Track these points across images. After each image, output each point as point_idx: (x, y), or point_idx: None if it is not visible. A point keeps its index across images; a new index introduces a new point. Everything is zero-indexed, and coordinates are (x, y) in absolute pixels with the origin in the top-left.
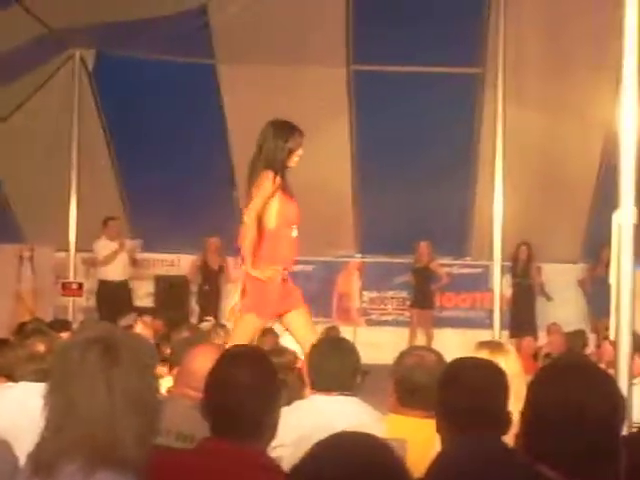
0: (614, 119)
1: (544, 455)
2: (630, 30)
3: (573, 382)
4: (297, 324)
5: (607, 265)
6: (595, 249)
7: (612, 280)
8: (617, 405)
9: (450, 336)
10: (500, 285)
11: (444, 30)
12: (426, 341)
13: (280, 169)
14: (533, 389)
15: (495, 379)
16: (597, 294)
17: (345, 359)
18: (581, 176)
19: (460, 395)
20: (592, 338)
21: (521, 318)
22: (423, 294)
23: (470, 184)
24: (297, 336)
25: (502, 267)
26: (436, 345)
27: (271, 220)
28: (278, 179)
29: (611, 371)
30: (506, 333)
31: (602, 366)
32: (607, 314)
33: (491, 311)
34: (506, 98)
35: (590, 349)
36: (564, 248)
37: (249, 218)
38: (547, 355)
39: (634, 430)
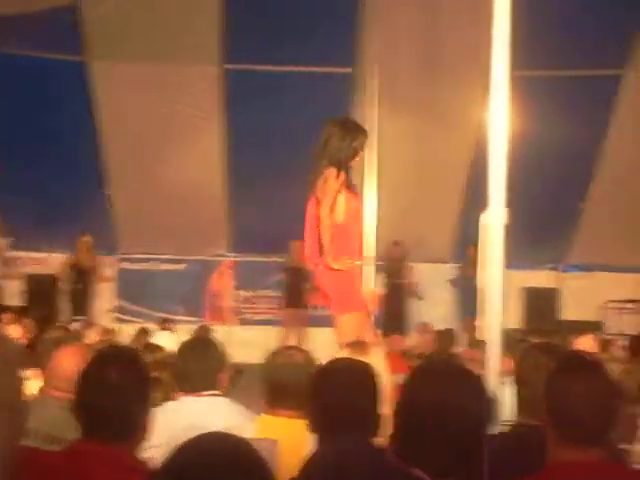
0: (484, 121)
1: (414, 455)
2: (500, 32)
3: (443, 383)
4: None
5: (475, 265)
6: (464, 248)
7: (480, 281)
8: (485, 405)
9: (324, 335)
10: (374, 285)
11: (316, 30)
12: (298, 340)
13: (344, 167)
14: (404, 390)
15: (366, 380)
16: (467, 293)
17: (209, 358)
18: (452, 177)
19: (331, 396)
20: (463, 337)
21: (393, 317)
22: (296, 293)
23: None
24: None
25: (376, 266)
26: (310, 344)
27: (339, 215)
28: (342, 176)
29: (481, 371)
30: (379, 332)
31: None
32: (475, 313)
33: None
34: (379, 100)
35: (460, 348)
36: (436, 248)
37: (325, 213)
38: (419, 355)
39: (504, 429)
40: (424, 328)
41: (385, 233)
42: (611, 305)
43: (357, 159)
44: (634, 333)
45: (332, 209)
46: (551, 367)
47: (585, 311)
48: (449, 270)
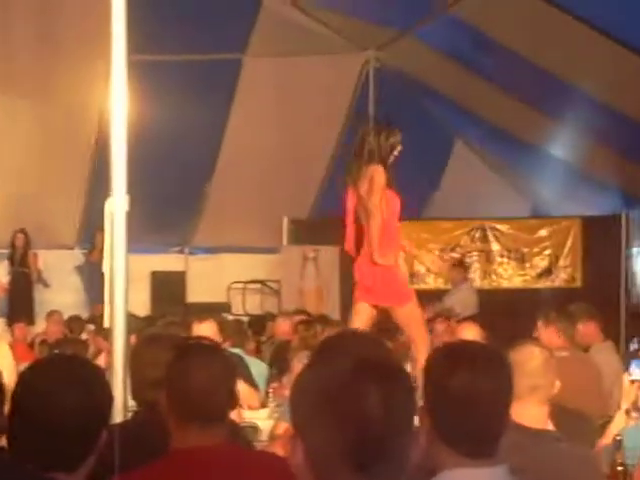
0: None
1: (22, 450)
2: (117, 16)
3: (47, 377)
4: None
5: (102, 251)
6: (91, 235)
7: (105, 268)
8: (94, 396)
9: None
10: None
11: None
12: None
13: (385, 164)
14: (15, 387)
15: None
16: (94, 280)
17: None
18: (77, 163)
19: None
20: (91, 325)
21: (18, 305)
22: None
23: None
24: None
25: None
26: None
27: (384, 212)
28: (385, 173)
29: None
30: (4, 321)
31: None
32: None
33: None
34: None
35: (87, 335)
36: (61, 234)
37: (376, 210)
38: (43, 342)
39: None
40: (52, 316)
41: (6, 220)
42: (235, 286)
43: (396, 154)
44: (257, 312)
45: (380, 206)
46: (167, 355)
47: (212, 293)
48: (76, 257)
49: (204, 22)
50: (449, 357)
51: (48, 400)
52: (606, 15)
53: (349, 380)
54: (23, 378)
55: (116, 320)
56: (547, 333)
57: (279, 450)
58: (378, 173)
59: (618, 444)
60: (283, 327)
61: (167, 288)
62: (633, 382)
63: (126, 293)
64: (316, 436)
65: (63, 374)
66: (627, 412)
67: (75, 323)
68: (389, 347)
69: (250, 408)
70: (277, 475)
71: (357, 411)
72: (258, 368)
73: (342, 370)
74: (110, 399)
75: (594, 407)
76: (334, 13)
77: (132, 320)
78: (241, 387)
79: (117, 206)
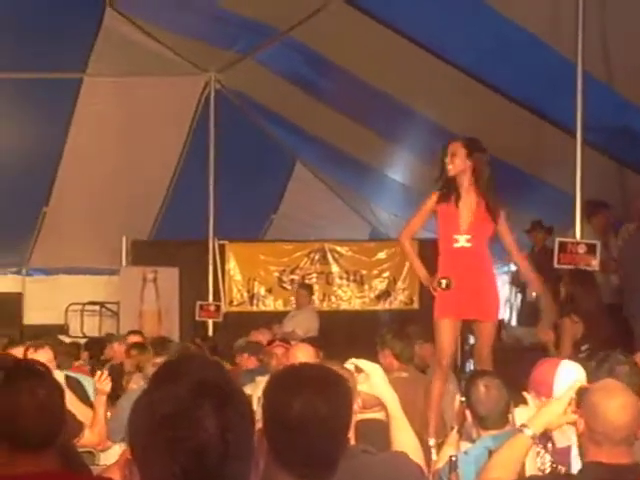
0: None
1: None
2: None
3: None
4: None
5: None
6: None
7: None
8: None
9: None
10: None
11: None
12: None
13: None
14: None
15: None
16: None
17: None
18: None
19: None
20: None
21: None
22: None
23: None
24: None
25: None
26: None
27: None
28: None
29: None
30: None
31: None
32: None
33: None
34: None
35: None
36: None
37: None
38: None
39: None
40: None
41: None
42: (73, 308)
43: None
44: (95, 335)
45: None
46: None
47: (50, 315)
48: None
49: (43, 39)
50: (285, 382)
51: None
52: (433, 35)
53: (185, 404)
54: None
55: None
56: (384, 356)
57: (115, 474)
58: None
59: (454, 465)
60: (118, 350)
61: (3, 309)
62: (462, 403)
63: None
64: (151, 462)
65: None
66: (459, 432)
67: None
68: (227, 371)
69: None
70: None
71: (193, 437)
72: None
73: (178, 394)
74: None
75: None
76: (175, 34)
77: None
78: (80, 409)
79: None
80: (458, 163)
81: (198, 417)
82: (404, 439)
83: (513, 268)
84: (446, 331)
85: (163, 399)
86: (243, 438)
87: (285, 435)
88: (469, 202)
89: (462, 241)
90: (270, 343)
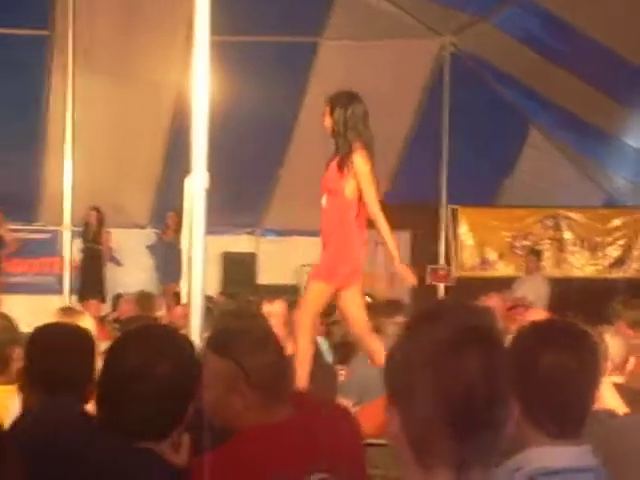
0: (186, 83)
1: (118, 420)
2: None
3: (146, 348)
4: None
5: (176, 230)
6: (164, 214)
7: (183, 246)
8: (185, 366)
9: (19, 302)
10: (70, 250)
11: None
12: None
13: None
14: (106, 357)
15: (80, 343)
16: (166, 259)
17: None
18: (151, 141)
19: (44, 358)
20: (162, 302)
21: (90, 283)
22: None
23: (40, 149)
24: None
25: (72, 232)
26: (6, 311)
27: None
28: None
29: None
30: (76, 298)
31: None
32: (176, 279)
33: (61, 276)
34: (75, 63)
35: (161, 312)
36: (134, 213)
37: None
38: (115, 320)
39: None
40: (124, 294)
41: (82, 199)
42: (305, 269)
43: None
44: None
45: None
46: None
47: (282, 275)
48: (148, 236)
49: (282, 4)
50: (533, 337)
51: (141, 369)
52: None
53: (451, 348)
54: (114, 347)
55: (193, 298)
56: (618, 327)
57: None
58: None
59: None
60: None
61: (237, 269)
62: None
63: (204, 271)
64: (416, 406)
65: (155, 343)
66: None
67: (146, 300)
68: (492, 315)
69: None
70: None
71: (461, 379)
72: None
73: (443, 338)
74: (199, 371)
75: None
76: None
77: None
78: None
79: (197, 183)
80: None
81: (465, 360)
82: None
83: None
84: None
85: (430, 342)
86: (505, 381)
87: (535, 390)
88: None
89: None
90: (511, 308)
